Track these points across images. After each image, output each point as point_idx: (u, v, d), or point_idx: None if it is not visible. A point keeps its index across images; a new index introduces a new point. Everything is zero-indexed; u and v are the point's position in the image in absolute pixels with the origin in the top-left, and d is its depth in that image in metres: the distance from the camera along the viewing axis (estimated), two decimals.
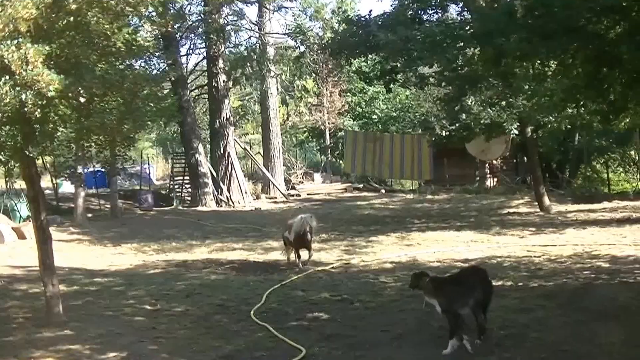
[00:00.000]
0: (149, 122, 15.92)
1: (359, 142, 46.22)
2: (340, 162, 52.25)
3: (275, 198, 46.18)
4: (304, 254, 21.19)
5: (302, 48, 47.45)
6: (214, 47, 43.53)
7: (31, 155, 13.69)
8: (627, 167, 53.65)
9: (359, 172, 49.09)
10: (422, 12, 30.49)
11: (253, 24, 46.94)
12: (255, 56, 44.42)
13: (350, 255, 22.30)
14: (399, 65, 30.94)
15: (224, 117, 43.95)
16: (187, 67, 46.97)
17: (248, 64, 44.54)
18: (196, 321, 15.16)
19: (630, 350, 12.45)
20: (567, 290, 16.59)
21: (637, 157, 48.86)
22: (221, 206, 41.71)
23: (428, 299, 12.85)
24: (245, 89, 59.26)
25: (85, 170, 39.72)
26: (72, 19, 12.49)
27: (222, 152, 43.66)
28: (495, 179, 49.48)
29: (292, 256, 21.42)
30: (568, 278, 17.79)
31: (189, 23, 42.14)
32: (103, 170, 41.82)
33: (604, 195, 38.46)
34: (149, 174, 52.95)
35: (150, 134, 67.43)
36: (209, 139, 48.34)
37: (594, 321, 14.17)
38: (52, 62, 12.32)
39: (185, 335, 14.10)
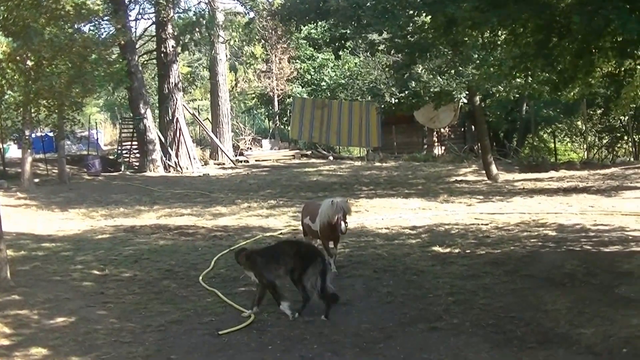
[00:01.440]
0: (98, 87, 15.81)
1: (306, 109, 46.17)
2: (288, 128, 52.11)
3: (224, 164, 46.02)
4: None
5: (252, 14, 47.26)
6: (162, 12, 43.14)
7: None
8: (574, 137, 54.22)
9: (305, 138, 49.05)
10: None
11: None
12: (204, 22, 44.07)
13: (299, 221, 22.31)
14: (348, 32, 30.93)
15: (172, 83, 43.68)
16: (135, 32, 46.66)
17: (197, 30, 44.21)
18: (144, 286, 15.12)
19: (575, 316, 12.61)
20: (514, 257, 16.74)
21: (583, 128, 49.31)
22: (169, 172, 41.52)
23: (246, 272, 13.51)
24: (194, 54, 58.96)
25: (33, 134, 39.27)
26: None
27: (170, 118, 43.42)
28: (443, 147, 49.72)
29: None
30: (515, 246, 17.95)
31: None
32: (51, 134, 41.41)
33: (551, 165, 38.83)
34: (97, 139, 52.57)
35: (99, 99, 66.81)
36: (157, 105, 48.02)
37: (540, 288, 14.35)
38: None
39: (134, 301, 14.06)
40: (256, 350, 11.34)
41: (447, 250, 17.52)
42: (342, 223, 14.71)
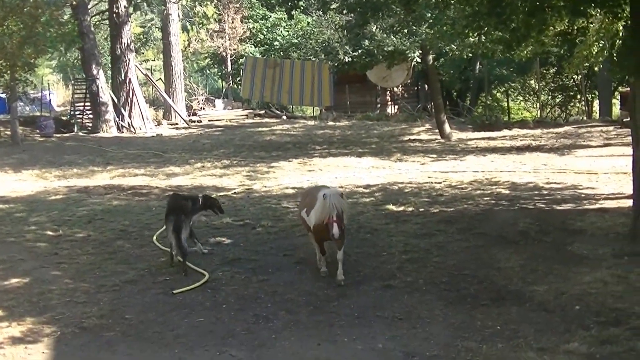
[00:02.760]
0: (50, 48, 15.54)
1: (258, 68, 45.96)
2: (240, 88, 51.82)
3: (177, 124, 45.72)
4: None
5: None
6: None
7: None
8: (527, 96, 54.45)
9: (256, 98, 48.86)
10: None
11: None
12: None
13: (252, 181, 22.26)
14: None
15: (124, 44, 43.17)
16: None
17: None
18: (98, 247, 15.04)
19: (528, 274, 12.71)
20: (468, 215, 16.82)
21: (537, 87, 49.51)
22: (122, 132, 41.15)
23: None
24: (146, 15, 58.25)
25: None
26: None
27: (123, 79, 42.95)
28: (397, 107, 49.68)
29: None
30: (468, 204, 18.03)
31: None
32: (3, 96, 40.84)
33: (504, 124, 38.97)
34: (50, 100, 51.88)
35: (51, 61, 66.07)
36: (109, 66, 47.55)
37: (493, 246, 14.43)
38: None
39: (88, 261, 13.98)
40: (210, 309, 11.33)
41: (401, 208, 17.56)
42: (335, 226, 11.69)
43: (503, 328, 10.47)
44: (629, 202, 15.33)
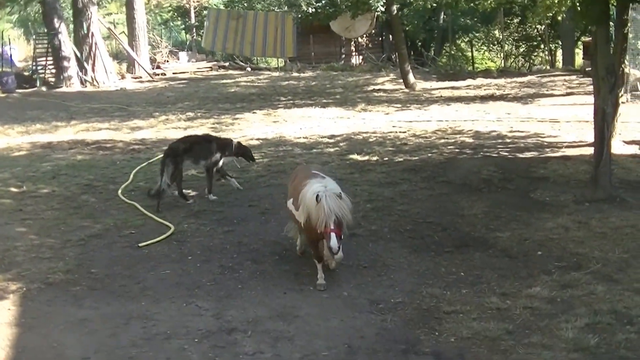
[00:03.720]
0: (9, 1, 15.33)
1: (221, 20, 45.57)
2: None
3: (141, 77, 45.34)
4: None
5: None
6: None
7: None
8: (491, 46, 54.47)
9: (218, 49, 48.46)
10: None
11: None
12: None
13: (217, 132, 22.19)
14: None
15: None
16: None
17: None
18: (63, 202, 14.98)
19: (492, 221, 12.85)
20: (432, 164, 16.91)
21: (500, 36, 49.54)
22: (86, 87, 40.76)
23: None
24: None
25: None
26: None
27: (85, 32, 42.47)
28: (361, 57, 49.57)
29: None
30: (433, 153, 18.12)
31: None
32: None
33: (468, 73, 39.07)
34: (11, 55, 51.30)
35: (11, 15, 65.21)
36: (72, 19, 46.99)
37: (457, 194, 14.55)
38: None
39: (53, 216, 13.93)
40: (176, 261, 11.36)
41: (365, 158, 17.62)
42: (333, 237, 9.34)
43: (467, 274, 10.61)
44: (590, 150, 15.45)
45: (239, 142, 15.43)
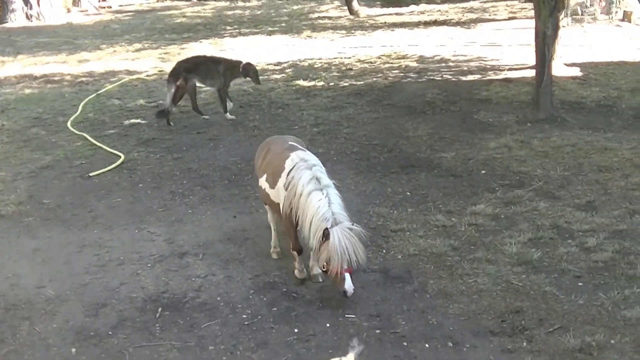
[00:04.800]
0: None
1: None
2: None
3: (87, 10, 44.63)
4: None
5: None
6: None
7: None
8: None
9: None
10: None
11: None
12: None
13: (165, 62, 21.97)
14: None
15: None
16: None
17: None
18: (13, 135, 14.83)
19: (436, 142, 12.94)
20: (377, 88, 16.94)
21: None
22: (31, 21, 40.00)
23: None
24: None
25: None
26: None
27: None
28: None
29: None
30: (377, 77, 18.13)
31: None
32: None
33: (412, 0, 38.87)
34: None
35: None
36: None
37: (402, 116, 14.62)
38: None
39: (3, 150, 13.80)
40: (127, 189, 11.35)
41: (311, 83, 17.60)
42: (348, 279, 7.56)
43: (412, 193, 10.71)
44: (531, 72, 15.58)
45: (248, 63, 15.27)
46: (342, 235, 7.48)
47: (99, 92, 18.02)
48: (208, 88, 15.73)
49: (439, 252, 8.71)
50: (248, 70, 14.97)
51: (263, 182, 8.69)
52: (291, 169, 8.12)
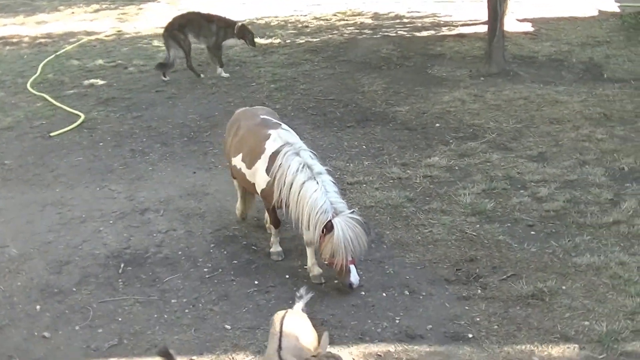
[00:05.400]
0: None
1: None
2: None
3: None
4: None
5: None
6: None
7: None
8: None
9: None
10: None
11: None
12: None
13: (123, 22, 21.74)
14: None
15: None
16: None
17: None
18: None
19: (391, 96, 13.00)
20: (333, 45, 16.92)
21: None
22: None
23: None
24: None
25: None
26: None
27: None
28: None
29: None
30: (333, 34, 18.09)
31: None
32: None
33: None
34: None
35: None
36: None
37: (357, 72, 14.64)
38: None
39: None
40: (88, 147, 11.29)
41: (268, 41, 17.53)
42: (353, 271, 7.11)
43: (368, 147, 10.77)
44: (484, 28, 15.61)
45: (242, 25, 15.09)
46: (345, 226, 6.94)
47: (58, 53, 17.81)
48: (202, 46, 15.52)
49: (395, 204, 8.79)
50: (243, 32, 14.84)
51: (238, 162, 7.91)
52: (277, 155, 7.39)
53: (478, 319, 6.61)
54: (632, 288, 6.88)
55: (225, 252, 7.91)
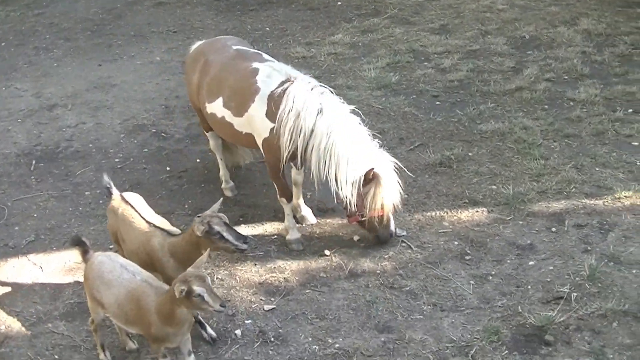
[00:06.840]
0: None
1: None
2: None
3: None
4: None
5: None
6: None
7: None
8: None
9: None
10: None
11: None
12: None
13: None
14: None
15: None
16: None
17: None
18: None
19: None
20: None
21: None
22: None
23: None
24: None
25: None
26: None
27: None
28: None
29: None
30: None
31: None
32: None
33: None
34: None
35: None
36: None
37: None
38: None
39: None
40: None
41: None
42: (392, 221, 6.03)
43: (272, 28, 10.58)
44: None
45: None
46: (391, 172, 5.78)
47: None
48: None
49: None
50: None
51: (217, 108, 6.20)
52: (283, 94, 5.78)
53: None
54: (536, 151, 6.90)
55: (135, 142, 7.73)
